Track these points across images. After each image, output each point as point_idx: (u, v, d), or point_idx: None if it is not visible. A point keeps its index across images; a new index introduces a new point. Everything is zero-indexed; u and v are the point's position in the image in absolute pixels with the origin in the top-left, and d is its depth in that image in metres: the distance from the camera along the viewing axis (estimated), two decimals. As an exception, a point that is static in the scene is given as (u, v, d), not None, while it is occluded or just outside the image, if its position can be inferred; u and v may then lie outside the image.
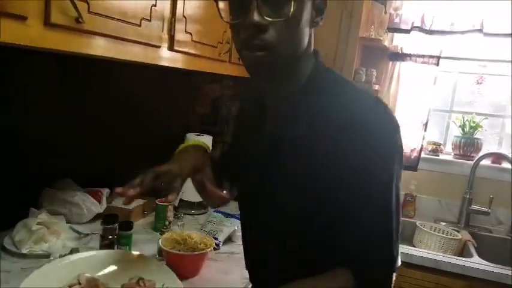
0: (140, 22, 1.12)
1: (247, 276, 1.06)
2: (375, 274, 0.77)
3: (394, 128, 0.75)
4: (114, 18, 1.01)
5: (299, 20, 0.73)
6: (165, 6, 1.24)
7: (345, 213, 0.74)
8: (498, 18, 2.03)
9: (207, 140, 1.90)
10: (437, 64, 2.18)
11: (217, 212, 1.72)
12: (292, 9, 0.70)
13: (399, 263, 0.73)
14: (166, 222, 1.63)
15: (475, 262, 1.75)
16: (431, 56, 2.18)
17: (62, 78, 1.57)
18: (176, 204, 1.80)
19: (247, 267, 1.03)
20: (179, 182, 0.97)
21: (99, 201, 1.65)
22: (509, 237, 2.08)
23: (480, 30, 2.05)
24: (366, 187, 0.73)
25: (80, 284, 0.96)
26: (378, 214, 0.74)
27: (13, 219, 1.35)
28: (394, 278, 0.78)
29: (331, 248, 0.78)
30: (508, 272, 1.67)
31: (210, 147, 1.94)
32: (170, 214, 1.66)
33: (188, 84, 2.24)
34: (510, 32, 2.01)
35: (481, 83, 2.29)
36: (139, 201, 1.77)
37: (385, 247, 0.75)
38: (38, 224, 1.36)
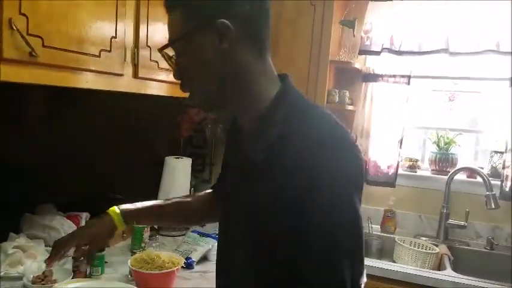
0: (99, 53, 1.21)
1: None
2: None
3: (352, 151, 0.76)
4: (70, 50, 1.09)
5: (196, 58, 0.80)
6: (126, 37, 1.33)
7: (295, 231, 0.74)
8: (462, 37, 2.10)
9: (186, 162, 1.97)
10: (409, 83, 2.25)
11: (194, 232, 1.77)
12: (186, 56, 0.81)
13: (364, 279, 0.72)
14: (143, 244, 1.69)
15: (447, 275, 1.77)
16: (402, 76, 2.25)
17: (45, 107, 1.66)
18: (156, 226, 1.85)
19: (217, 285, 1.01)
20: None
21: (78, 224, 1.71)
22: (486, 250, 2.10)
23: (446, 50, 2.13)
24: (318, 211, 0.72)
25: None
26: (327, 238, 0.72)
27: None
28: None
29: (286, 274, 0.77)
30: (480, 284, 1.69)
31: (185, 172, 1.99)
32: (146, 236, 1.71)
33: (170, 108, 2.31)
34: (473, 51, 2.08)
35: (453, 100, 2.35)
36: (117, 224, 1.82)
37: (335, 272, 0.72)
38: (15, 247, 1.42)
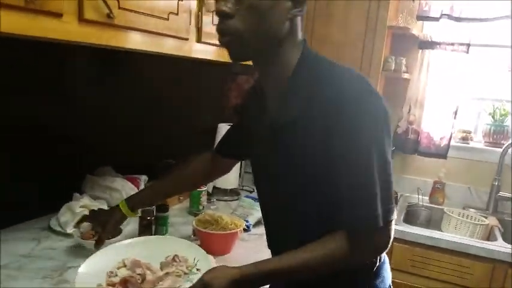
0: (168, 16, 1.21)
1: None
2: (361, 232, 0.81)
3: (376, 97, 0.81)
4: (142, 13, 1.09)
5: (265, 11, 0.78)
6: (191, 1, 1.32)
7: (329, 176, 0.82)
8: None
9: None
10: (467, 52, 2.16)
11: (247, 197, 1.80)
12: (251, 1, 0.77)
13: (394, 216, 0.82)
14: (200, 207, 1.74)
15: (499, 245, 1.76)
16: (461, 44, 2.17)
17: (101, 72, 1.68)
18: (209, 191, 1.90)
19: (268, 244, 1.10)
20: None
21: (137, 187, 1.76)
22: (537, 223, 2.08)
23: (509, 17, 2.02)
24: (347, 152, 0.79)
25: (125, 266, 1.07)
26: (358, 176, 0.79)
27: (59, 203, 1.47)
28: (390, 240, 0.83)
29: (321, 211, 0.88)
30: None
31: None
32: (204, 199, 1.76)
33: (222, 75, 2.30)
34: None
35: (512, 70, 2.25)
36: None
37: (368, 206, 0.79)
38: (81, 207, 1.48)
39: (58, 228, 1.41)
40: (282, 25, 0.82)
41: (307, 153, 0.83)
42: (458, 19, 2.13)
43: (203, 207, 1.74)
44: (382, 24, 1.95)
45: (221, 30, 0.80)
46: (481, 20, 2.10)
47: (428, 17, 2.16)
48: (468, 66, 2.21)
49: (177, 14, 1.26)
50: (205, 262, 1.07)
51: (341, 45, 1.98)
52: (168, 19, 1.22)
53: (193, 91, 2.10)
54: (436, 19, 2.15)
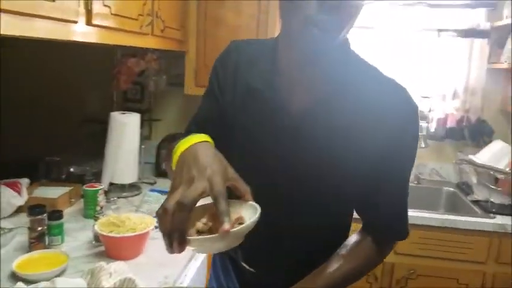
0: (54, -4, 1.04)
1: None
2: (393, 242, 0.93)
3: (416, 111, 0.84)
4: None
5: (362, 5, 0.74)
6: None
7: (370, 185, 0.84)
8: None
9: (135, 118, 1.84)
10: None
11: (152, 191, 1.69)
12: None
13: None
14: (98, 208, 1.58)
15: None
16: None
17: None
18: (106, 188, 1.73)
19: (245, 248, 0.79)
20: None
21: (19, 193, 1.54)
22: (415, 184, 2.35)
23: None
24: (396, 171, 0.85)
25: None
26: (399, 193, 0.86)
27: None
28: None
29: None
30: (415, 214, 1.90)
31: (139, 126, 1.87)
32: (102, 199, 1.60)
33: (108, 59, 2.11)
34: (407, 2, 2.21)
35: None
36: (64, 189, 1.68)
37: (403, 220, 0.88)
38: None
39: None
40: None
41: (351, 156, 0.81)
42: None
43: (101, 208, 1.59)
44: (275, 6, 1.96)
45: (327, 22, 0.69)
46: None
47: None
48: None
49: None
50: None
51: (236, 28, 1.95)
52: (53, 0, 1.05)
53: (78, 79, 1.88)
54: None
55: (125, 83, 2.03)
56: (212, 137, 0.77)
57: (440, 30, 2.28)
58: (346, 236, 0.95)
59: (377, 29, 2.33)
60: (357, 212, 0.93)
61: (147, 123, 2.33)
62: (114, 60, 2.07)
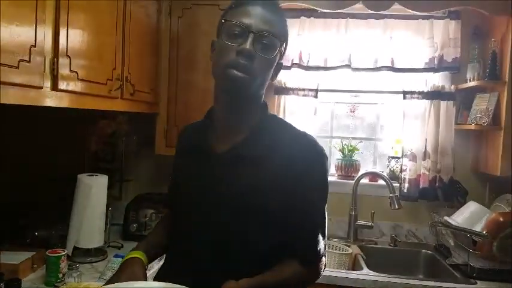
0: (18, 64, 1.07)
1: None
2: (315, 260, 1.01)
3: (324, 152, 1.06)
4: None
5: (273, 64, 1.01)
6: (45, 46, 1.20)
7: (291, 214, 0.97)
8: (363, 54, 2.33)
9: (102, 180, 1.82)
10: (316, 96, 2.40)
11: (117, 256, 1.64)
12: (274, 53, 0.97)
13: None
14: (60, 275, 1.51)
15: (365, 274, 1.91)
16: (310, 89, 2.40)
17: None
18: (70, 253, 1.67)
19: None
20: None
21: (-23, 261, 1.47)
22: (391, 247, 2.33)
23: (348, 66, 2.33)
24: (312, 196, 1.02)
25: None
26: (317, 217, 1.02)
27: None
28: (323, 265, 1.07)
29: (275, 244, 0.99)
30: (394, 280, 1.85)
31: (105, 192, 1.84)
32: (64, 265, 1.54)
33: (79, 122, 2.12)
34: (372, 67, 2.32)
35: (353, 111, 2.57)
36: (28, 254, 1.61)
37: (320, 242, 1.01)
38: None
39: None
40: (268, 81, 1.03)
41: (274, 188, 0.96)
42: (306, 68, 2.36)
43: (63, 275, 1.52)
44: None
45: (244, 66, 0.93)
46: (325, 68, 2.36)
47: (281, 65, 2.35)
48: (318, 108, 2.44)
49: (29, 61, 1.12)
50: None
51: (206, 91, 2.00)
52: (18, 67, 1.08)
53: (38, 139, 1.86)
54: (288, 68, 2.35)
55: (96, 143, 2.04)
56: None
57: (405, 93, 2.37)
58: None
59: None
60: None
61: (117, 183, 2.30)
62: (85, 121, 2.09)
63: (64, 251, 1.56)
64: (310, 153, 1.01)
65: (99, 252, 1.81)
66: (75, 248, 1.74)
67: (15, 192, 1.69)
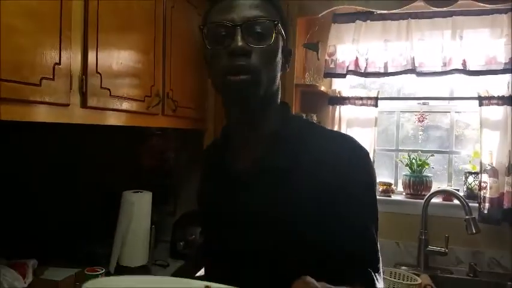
0: (40, 82, 1.08)
1: None
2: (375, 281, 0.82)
3: (369, 157, 0.88)
4: (7, 80, 0.96)
5: (276, 52, 0.83)
6: (72, 63, 1.21)
7: (330, 237, 0.80)
8: (429, 57, 2.09)
9: (146, 196, 1.81)
10: (376, 105, 2.20)
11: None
12: (272, 39, 0.80)
13: None
14: (98, 293, 1.50)
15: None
16: (369, 98, 2.20)
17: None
18: (112, 271, 1.67)
19: None
20: None
21: (24, 275, 1.51)
22: (469, 277, 2.01)
23: (412, 70, 2.10)
24: (359, 211, 0.82)
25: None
26: (368, 240, 0.83)
27: None
28: None
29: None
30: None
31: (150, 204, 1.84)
32: (102, 283, 1.53)
33: (133, 139, 2.17)
34: (440, 70, 2.07)
35: (422, 121, 2.31)
36: (71, 271, 1.63)
37: (378, 258, 0.84)
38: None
39: None
40: (279, 73, 0.86)
41: (313, 202, 0.82)
42: (363, 74, 2.18)
43: (102, 293, 1.51)
44: (289, 83, 1.95)
45: (241, 67, 0.79)
46: (385, 74, 2.16)
47: (334, 73, 2.20)
48: (378, 118, 2.23)
49: (52, 79, 1.14)
50: None
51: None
52: (40, 85, 1.10)
53: (92, 157, 1.92)
54: (343, 75, 2.19)
55: (150, 160, 2.05)
56: None
57: (482, 98, 2.07)
58: None
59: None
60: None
61: (172, 199, 2.30)
62: (139, 138, 2.12)
63: (102, 270, 1.55)
64: (351, 159, 0.83)
65: (143, 271, 1.79)
66: (118, 265, 1.73)
67: (63, 212, 1.75)
